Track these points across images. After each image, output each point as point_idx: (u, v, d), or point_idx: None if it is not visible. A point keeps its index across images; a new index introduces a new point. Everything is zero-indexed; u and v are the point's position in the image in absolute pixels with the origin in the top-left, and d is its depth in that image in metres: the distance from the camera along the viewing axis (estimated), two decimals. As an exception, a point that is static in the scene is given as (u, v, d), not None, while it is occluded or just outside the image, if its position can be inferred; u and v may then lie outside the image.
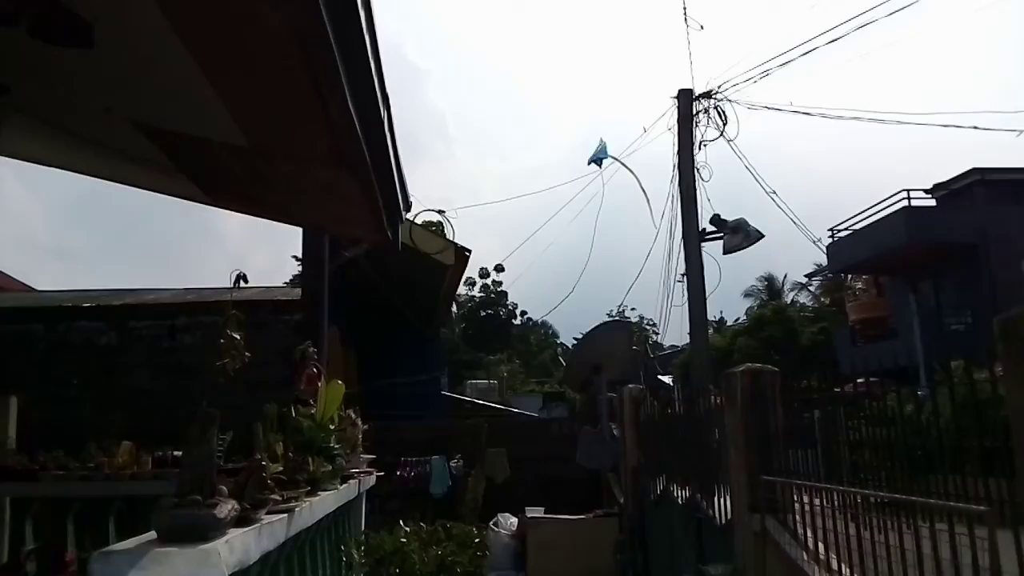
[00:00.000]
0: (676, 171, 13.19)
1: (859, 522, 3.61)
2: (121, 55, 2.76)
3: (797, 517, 4.40)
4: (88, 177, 4.36)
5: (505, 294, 55.12)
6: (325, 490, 3.89)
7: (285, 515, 2.96)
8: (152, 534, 2.15)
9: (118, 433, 5.82)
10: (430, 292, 13.24)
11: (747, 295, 39.05)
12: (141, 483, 5.15)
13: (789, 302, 36.88)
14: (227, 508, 2.28)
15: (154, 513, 2.17)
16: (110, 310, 9.90)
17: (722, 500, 5.50)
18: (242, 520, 2.45)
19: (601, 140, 14.10)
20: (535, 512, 10.30)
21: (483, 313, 55.27)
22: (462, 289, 49.60)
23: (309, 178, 3.58)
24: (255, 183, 3.82)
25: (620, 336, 12.45)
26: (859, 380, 4.74)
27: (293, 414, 3.97)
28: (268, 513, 2.77)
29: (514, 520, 10.31)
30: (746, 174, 13.43)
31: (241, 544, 2.32)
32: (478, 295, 55.61)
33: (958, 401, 3.18)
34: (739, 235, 12.55)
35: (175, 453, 5.32)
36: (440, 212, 11.55)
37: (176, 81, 2.81)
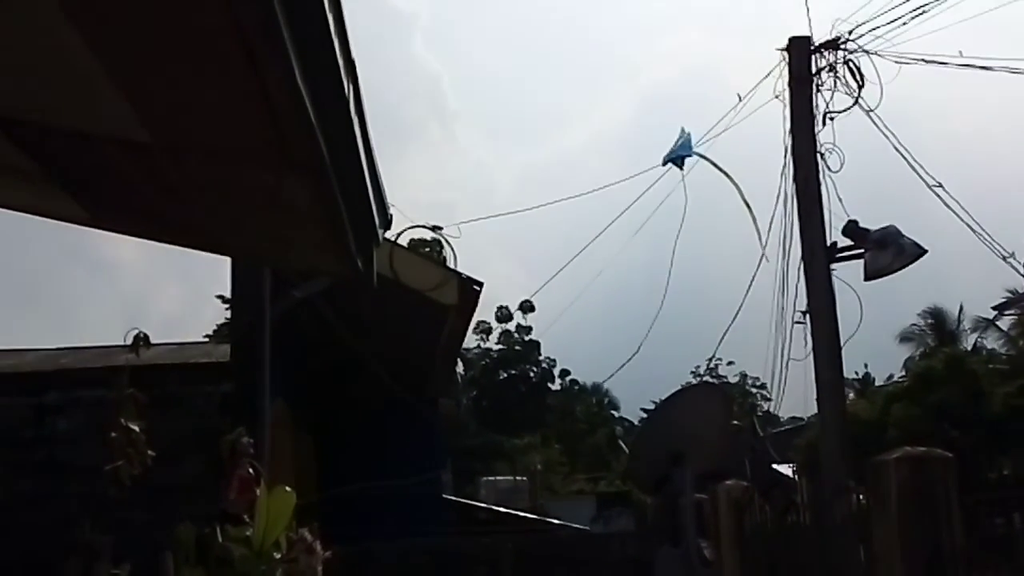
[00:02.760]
0: (789, 157, 13.18)
1: None
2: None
3: None
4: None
5: (536, 345, 55.19)
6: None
7: None
8: None
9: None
10: (423, 346, 13.29)
11: (905, 339, 38.65)
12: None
13: (970, 348, 36.48)
14: None
15: None
16: (-53, 383, 10.04)
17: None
18: None
19: (683, 130, 14.10)
20: None
21: (504, 374, 55.35)
22: (472, 340, 49.78)
23: (239, 185, 3.66)
24: (161, 195, 3.91)
25: (712, 406, 12.36)
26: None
27: (219, 538, 4.01)
28: None
29: None
30: (887, 162, 13.33)
31: None
32: (496, 347, 55.73)
33: None
34: (888, 251, 12.46)
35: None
36: (435, 229, 11.65)
37: (44, 50, 2.90)
